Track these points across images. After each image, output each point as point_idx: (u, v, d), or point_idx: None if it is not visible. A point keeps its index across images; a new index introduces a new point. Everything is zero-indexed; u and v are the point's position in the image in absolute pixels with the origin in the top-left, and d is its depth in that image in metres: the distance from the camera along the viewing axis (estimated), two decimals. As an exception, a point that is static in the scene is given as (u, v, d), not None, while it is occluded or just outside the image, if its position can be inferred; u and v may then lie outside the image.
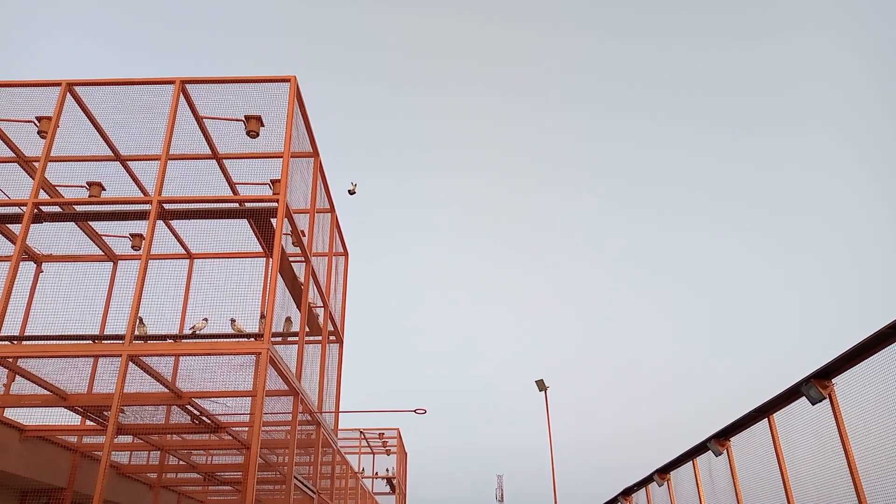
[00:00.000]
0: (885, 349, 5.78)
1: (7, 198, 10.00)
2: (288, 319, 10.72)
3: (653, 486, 12.52)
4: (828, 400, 6.55)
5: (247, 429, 11.69)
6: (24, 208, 8.87)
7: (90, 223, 11.02)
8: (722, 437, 9.13)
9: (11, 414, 10.49)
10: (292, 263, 10.53)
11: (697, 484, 10.34)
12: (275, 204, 8.92)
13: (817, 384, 6.58)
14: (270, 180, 10.22)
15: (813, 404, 6.70)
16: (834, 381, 6.52)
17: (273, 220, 9.12)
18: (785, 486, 7.55)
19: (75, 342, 9.27)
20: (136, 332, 8.53)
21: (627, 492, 14.33)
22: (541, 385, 33.07)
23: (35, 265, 11.48)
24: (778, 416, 7.73)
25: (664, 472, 11.71)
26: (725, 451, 9.15)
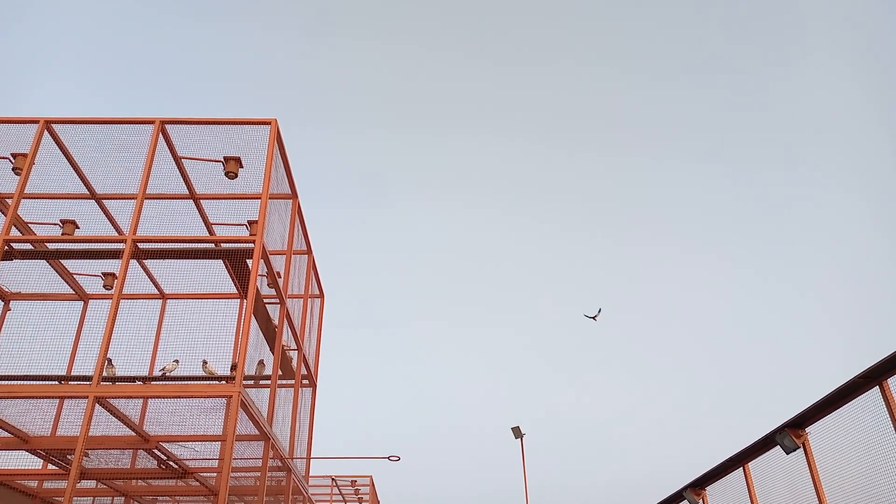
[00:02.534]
0: (857, 398, 5.83)
1: (-23, 234, 9.84)
2: (261, 362, 10.57)
3: (629, 536, 12.36)
4: (802, 449, 6.56)
5: (215, 474, 11.38)
6: (-6, 245, 8.73)
7: (62, 261, 10.86)
8: (697, 487, 9.08)
9: (-31, 457, 10.13)
10: (267, 305, 10.43)
11: (673, 534, 10.22)
12: (251, 245, 8.88)
13: (791, 433, 6.60)
14: (248, 221, 10.20)
15: (787, 453, 6.72)
16: (808, 430, 6.55)
17: (249, 262, 9.06)
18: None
19: (41, 383, 9.04)
20: (105, 374, 8.35)
21: (603, 542, 14.12)
22: (516, 432, 32.71)
23: (2, 303, 11.24)
24: (753, 465, 7.73)
25: (640, 522, 11.59)
26: (701, 501, 9.08)
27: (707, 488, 8.99)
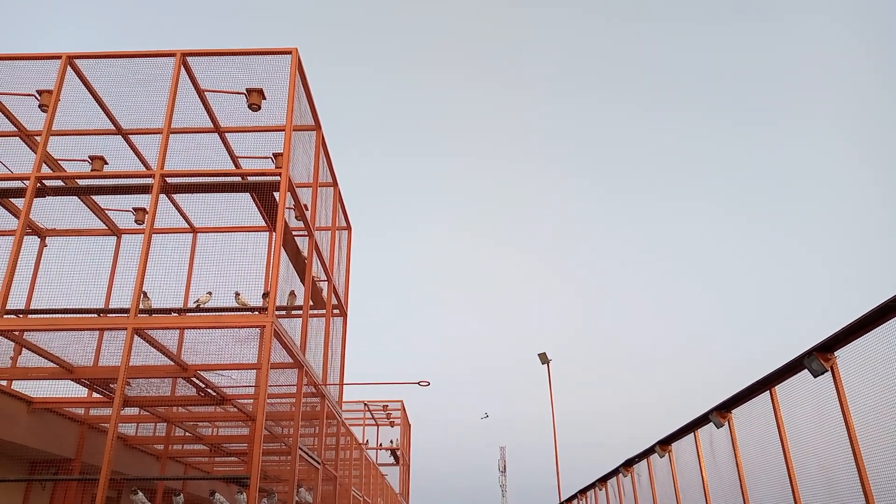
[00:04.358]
0: (888, 322, 5.77)
1: (10, 172, 9.99)
2: (292, 293, 10.76)
3: (654, 457, 12.63)
4: (830, 373, 6.56)
5: (252, 401, 11.79)
6: (26, 182, 8.86)
7: (93, 197, 11.02)
8: (723, 410, 9.18)
9: (19, 386, 10.60)
10: (295, 237, 10.53)
11: (699, 455, 10.42)
12: (277, 178, 8.89)
13: (819, 357, 6.59)
14: (273, 154, 10.18)
15: (815, 377, 6.72)
16: (836, 353, 6.52)
17: (276, 194, 9.10)
18: (786, 458, 7.61)
19: (81, 316, 9.32)
20: (141, 306, 8.57)
21: (629, 463, 14.47)
22: (543, 358, 33.25)
23: (39, 239, 11.51)
24: (780, 389, 7.76)
25: (665, 443, 11.81)
26: (727, 423, 9.21)
27: (733, 411, 9.09)
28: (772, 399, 7.89)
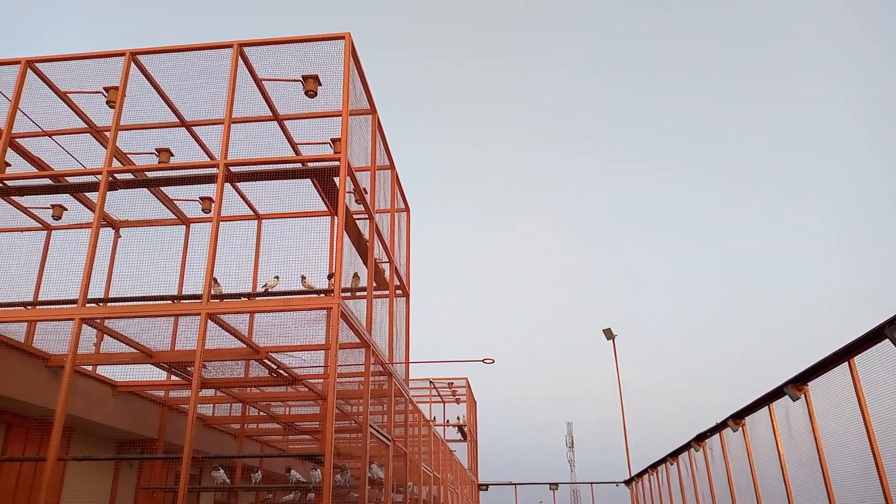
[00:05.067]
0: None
1: (83, 167, 10.42)
2: (355, 275, 10.90)
3: (727, 431, 12.36)
4: (914, 342, 6.25)
5: (322, 381, 12.08)
6: (99, 177, 9.23)
7: (162, 188, 11.39)
8: (799, 382, 8.88)
9: (103, 371, 11.17)
10: (356, 220, 10.65)
11: (774, 430, 10.14)
12: (336, 163, 8.98)
13: (902, 326, 6.28)
14: (331, 139, 10.28)
15: (897, 346, 6.42)
16: (920, 322, 6.21)
17: (336, 179, 9.20)
18: (867, 430, 7.32)
19: (156, 303, 9.70)
20: (212, 292, 8.84)
21: (701, 437, 14.21)
22: (608, 334, 32.88)
23: (113, 231, 12.00)
24: (859, 360, 7.45)
25: (738, 417, 11.53)
26: (803, 396, 8.91)
27: (809, 384, 8.78)
28: (850, 370, 7.59)
